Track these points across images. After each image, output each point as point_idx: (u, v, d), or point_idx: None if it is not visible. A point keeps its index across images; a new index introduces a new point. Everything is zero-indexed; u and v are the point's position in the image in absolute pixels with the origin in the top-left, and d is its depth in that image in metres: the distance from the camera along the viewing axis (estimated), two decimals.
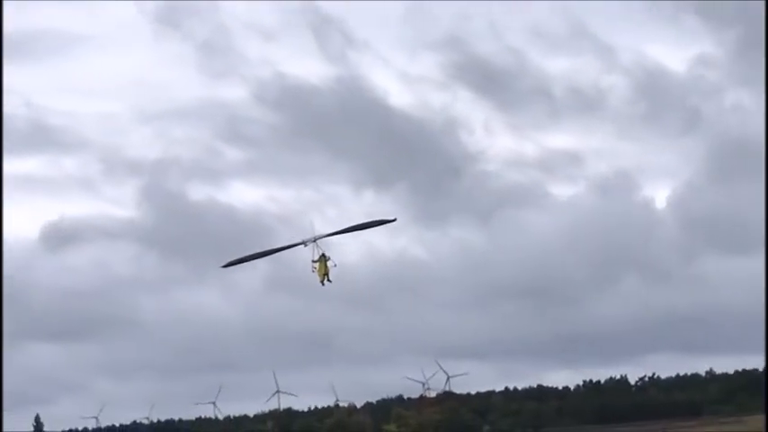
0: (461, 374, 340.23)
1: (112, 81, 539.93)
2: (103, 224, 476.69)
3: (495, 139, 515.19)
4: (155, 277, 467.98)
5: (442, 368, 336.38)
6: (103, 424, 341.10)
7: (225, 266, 39.46)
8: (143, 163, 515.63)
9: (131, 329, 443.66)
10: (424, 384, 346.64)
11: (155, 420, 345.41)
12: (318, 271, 36.50)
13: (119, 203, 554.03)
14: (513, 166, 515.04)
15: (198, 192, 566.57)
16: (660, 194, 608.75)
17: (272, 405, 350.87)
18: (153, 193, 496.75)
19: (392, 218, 36.61)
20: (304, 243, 37.88)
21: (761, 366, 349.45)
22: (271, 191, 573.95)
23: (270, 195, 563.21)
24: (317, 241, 36.60)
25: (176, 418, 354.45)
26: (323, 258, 36.34)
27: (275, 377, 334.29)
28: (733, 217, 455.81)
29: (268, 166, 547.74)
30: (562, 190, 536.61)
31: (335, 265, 37.29)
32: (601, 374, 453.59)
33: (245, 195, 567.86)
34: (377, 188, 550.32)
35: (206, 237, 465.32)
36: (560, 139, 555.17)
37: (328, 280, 38.09)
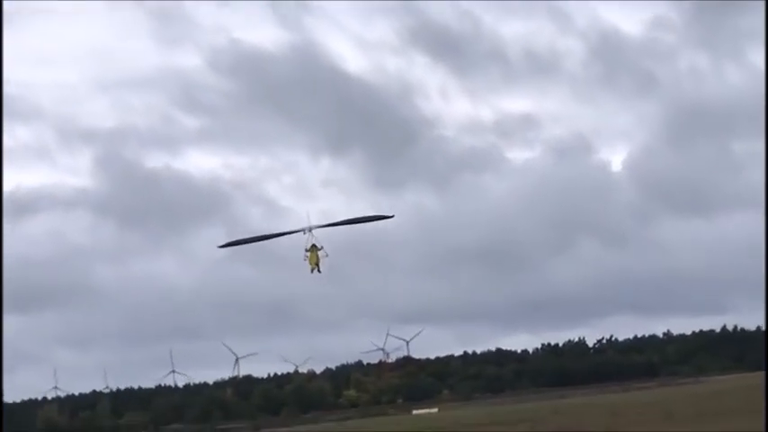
0: (415, 335, 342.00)
1: (67, 50, 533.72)
2: (59, 193, 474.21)
3: (451, 104, 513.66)
4: (112, 246, 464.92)
5: (390, 337, 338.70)
6: (63, 393, 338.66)
7: (221, 247, 38.67)
8: (98, 132, 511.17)
9: (89, 298, 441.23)
10: (383, 350, 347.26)
11: (114, 389, 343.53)
12: (310, 260, 36.37)
13: (75, 173, 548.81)
14: (470, 130, 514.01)
15: (154, 160, 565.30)
16: (616, 158, 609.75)
17: (231, 372, 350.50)
18: (109, 162, 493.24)
19: (390, 214, 36.12)
20: (303, 231, 37.33)
21: (717, 327, 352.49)
22: (227, 158, 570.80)
23: (226, 163, 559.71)
24: (312, 231, 36.17)
25: (136, 386, 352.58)
26: (314, 248, 36.03)
27: (228, 347, 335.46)
28: (689, 180, 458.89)
29: (224, 134, 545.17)
30: (518, 154, 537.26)
31: (327, 255, 36.90)
32: (559, 337, 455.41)
33: (202, 163, 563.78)
34: (333, 154, 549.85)
35: (162, 205, 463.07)
36: (516, 104, 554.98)
37: (318, 270, 37.75)
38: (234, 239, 39.34)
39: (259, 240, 38.73)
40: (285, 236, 39.10)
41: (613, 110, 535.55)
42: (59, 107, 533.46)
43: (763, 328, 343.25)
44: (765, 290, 46.31)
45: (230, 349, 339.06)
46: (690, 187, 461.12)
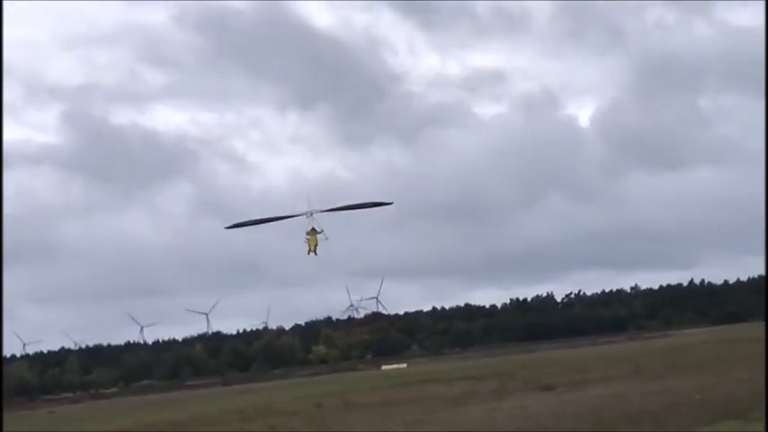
0: (379, 287, 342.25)
1: (32, 6, 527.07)
2: (27, 150, 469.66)
3: (418, 59, 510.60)
4: (79, 202, 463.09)
5: (355, 300, 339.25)
6: (31, 351, 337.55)
7: (228, 228, 38.73)
8: (65, 88, 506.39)
9: (57, 255, 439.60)
10: (352, 306, 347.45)
11: (83, 346, 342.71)
12: (309, 243, 36.62)
13: (42, 129, 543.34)
14: (438, 86, 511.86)
15: (120, 116, 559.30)
16: (584, 113, 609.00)
17: (200, 329, 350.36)
18: (76, 119, 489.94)
19: (389, 201, 36.16)
20: (305, 215, 37.42)
21: (685, 281, 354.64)
22: (193, 114, 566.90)
23: (192, 119, 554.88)
24: (314, 215, 36.24)
25: (104, 343, 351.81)
26: (314, 231, 36.19)
27: (193, 310, 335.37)
28: (656, 134, 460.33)
29: (190, 90, 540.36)
30: (486, 109, 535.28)
31: (327, 239, 36.98)
32: (528, 292, 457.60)
33: (168, 119, 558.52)
34: (301, 110, 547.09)
35: (130, 161, 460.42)
36: (484, 58, 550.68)
37: (315, 253, 37.94)
38: (239, 221, 39.50)
39: (265, 222, 38.91)
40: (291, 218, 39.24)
41: (581, 65, 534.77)
42: (26, 64, 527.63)
43: (731, 282, 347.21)
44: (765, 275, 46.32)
45: (195, 311, 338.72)
46: (657, 142, 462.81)
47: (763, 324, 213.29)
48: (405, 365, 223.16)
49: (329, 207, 38.98)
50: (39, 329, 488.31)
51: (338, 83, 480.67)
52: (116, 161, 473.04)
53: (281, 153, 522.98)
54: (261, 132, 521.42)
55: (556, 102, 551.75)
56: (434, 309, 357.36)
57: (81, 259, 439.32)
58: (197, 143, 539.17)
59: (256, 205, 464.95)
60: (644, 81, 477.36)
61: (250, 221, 39.56)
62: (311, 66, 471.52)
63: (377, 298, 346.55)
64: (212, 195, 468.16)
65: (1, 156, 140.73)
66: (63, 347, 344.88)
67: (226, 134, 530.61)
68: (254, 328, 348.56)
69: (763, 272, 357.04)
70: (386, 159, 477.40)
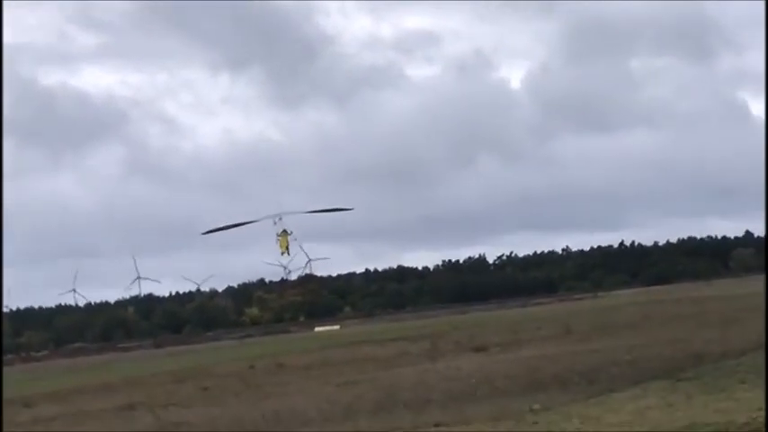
0: (323, 258, 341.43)
1: None
2: None
3: (351, 21, 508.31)
4: (9, 164, 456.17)
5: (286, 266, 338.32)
6: None
7: (204, 234, 40.13)
8: None
9: None
10: (284, 268, 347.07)
11: (14, 308, 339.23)
12: (281, 244, 38.31)
13: None
14: (370, 47, 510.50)
15: (50, 77, 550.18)
16: (516, 75, 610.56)
17: (132, 291, 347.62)
18: (4, 80, 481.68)
19: (350, 207, 38.66)
20: (274, 220, 39.02)
21: (615, 243, 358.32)
22: (124, 75, 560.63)
23: (123, 80, 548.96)
24: (282, 219, 38.00)
25: (36, 306, 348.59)
26: (285, 233, 37.97)
27: (135, 263, 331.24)
28: (587, 97, 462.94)
29: (121, 51, 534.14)
30: (419, 71, 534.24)
31: (296, 239, 38.89)
32: (460, 254, 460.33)
33: (99, 80, 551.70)
34: (232, 72, 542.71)
35: (60, 122, 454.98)
36: (417, 20, 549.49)
37: (288, 252, 39.68)
38: (213, 228, 41.28)
39: (238, 226, 40.52)
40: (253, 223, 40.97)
41: (514, 27, 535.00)
42: None
43: (661, 243, 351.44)
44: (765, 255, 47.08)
45: (136, 267, 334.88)
46: (589, 104, 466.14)
47: (691, 284, 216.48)
48: (338, 327, 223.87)
49: (296, 211, 40.70)
50: None
51: (271, 44, 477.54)
52: (46, 123, 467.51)
53: (214, 115, 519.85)
54: (193, 94, 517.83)
55: (488, 64, 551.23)
56: (367, 271, 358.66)
57: (12, 221, 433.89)
58: (128, 104, 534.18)
59: (188, 167, 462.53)
60: (576, 44, 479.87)
61: (224, 227, 41.01)
62: (243, 27, 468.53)
63: (309, 260, 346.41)
64: (144, 157, 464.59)
65: (1, 155, 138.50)
66: None
67: (157, 95, 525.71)
68: (187, 291, 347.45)
69: (692, 233, 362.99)
70: (318, 121, 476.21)
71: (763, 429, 27.70)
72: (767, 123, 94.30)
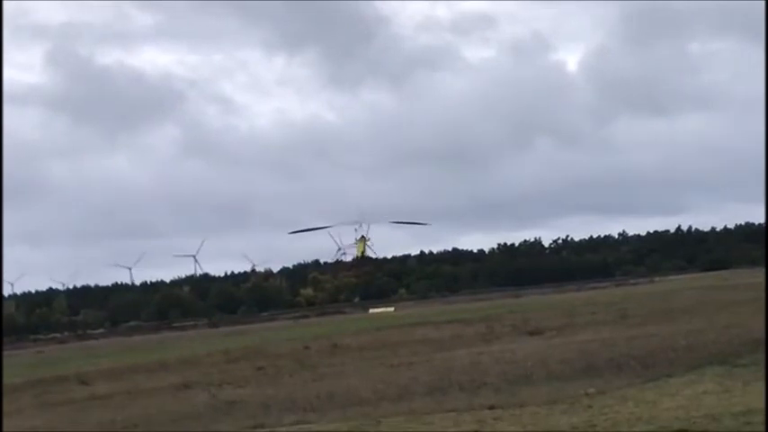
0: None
1: None
2: (11, 90, 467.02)
3: (407, 2, 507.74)
4: (65, 143, 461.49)
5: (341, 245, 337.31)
6: (19, 290, 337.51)
7: (291, 233, 42.30)
8: (50, 26, 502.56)
9: (43, 196, 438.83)
10: (340, 249, 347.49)
11: (70, 286, 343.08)
12: (358, 248, 40.43)
13: (26, 68, 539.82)
14: (426, 28, 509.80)
15: (107, 56, 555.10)
16: (573, 58, 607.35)
17: (188, 270, 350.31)
18: (61, 58, 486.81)
19: (427, 222, 40.41)
20: (356, 225, 40.97)
21: (672, 228, 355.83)
22: (181, 55, 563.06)
23: (180, 60, 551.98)
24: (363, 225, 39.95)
25: (92, 284, 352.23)
26: (363, 239, 39.87)
27: (201, 245, 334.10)
28: (645, 80, 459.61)
29: (178, 31, 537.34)
30: (475, 53, 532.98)
31: (372, 245, 41.13)
32: (515, 237, 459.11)
33: (156, 59, 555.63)
34: (288, 52, 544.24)
35: (116, 101, 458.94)
36: (474, 2, 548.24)
37: (363, 255, 41.57)
38: (300, 229, 43.47)
39: (319, 230, 42.33)
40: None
41: (571, 9, 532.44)
42: (8, 2, 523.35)
43: (718, 229, 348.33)
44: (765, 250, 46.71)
45: (182, 255, 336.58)
46: (646, 88, 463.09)
47: (748, 270, 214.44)
48: (392, 309, 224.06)
49: (376, 219, 42.14)
50: (26, 269, 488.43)
51: (326, 25, 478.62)
52: (102, 102, 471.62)
53: (269, 95, 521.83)
54: (248, 74, 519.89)
55: (545, 46, 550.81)
56: (422, 253, 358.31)
57: (68, 200, 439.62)
58: (184, 84, 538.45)
59: (243, 147, 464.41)
60: (634, 26, 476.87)
61: (309, 228, 42.17)
62: (299, 8, 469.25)
63: (366, 241, 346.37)
64: (199, 137, 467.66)
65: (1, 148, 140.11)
66: (51, 288, 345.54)
67: (213, 76, 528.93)
68: (242, 271, 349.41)
69: (750, 219, 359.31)
70: (373, 102, 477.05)
71: None
72: (767, 121, 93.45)
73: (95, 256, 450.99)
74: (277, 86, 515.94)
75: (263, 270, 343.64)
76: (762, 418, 28.18)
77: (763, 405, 29.78)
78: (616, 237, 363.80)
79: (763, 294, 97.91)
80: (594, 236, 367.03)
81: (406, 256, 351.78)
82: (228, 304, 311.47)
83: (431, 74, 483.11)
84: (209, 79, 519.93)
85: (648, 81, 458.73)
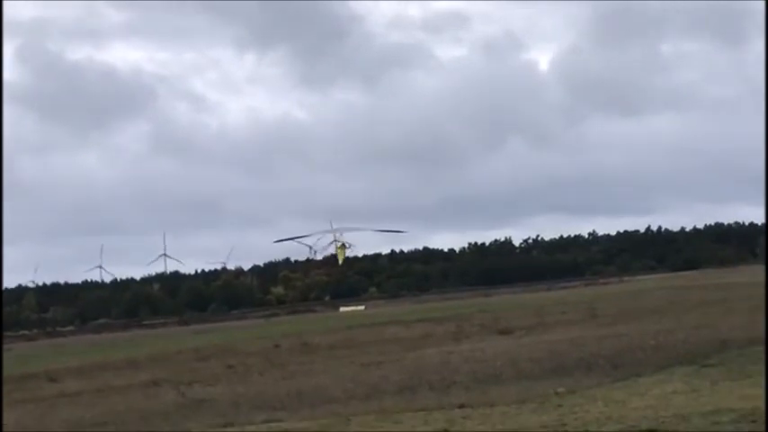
0: (352, 232, 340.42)
1: None
2: None
3: (379, 0, 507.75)
4: (35, 140, 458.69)
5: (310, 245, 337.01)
6: None
7: (276, 242, 43.85)
8: (20, 22, 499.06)
9: (12, 192, 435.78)
10: (310, 248, 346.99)
11: (40, 284, 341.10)
12: (339, 255, 41.85)
13: None
14: (399, 27, 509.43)
15: (77, 52, 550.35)
16: (545, 57, 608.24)
17: (158, 268, 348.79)
18: (30, 54, 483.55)
19: (404, 230, 42.90)
20: (336, 233, 42.72)
21: (642, 228, 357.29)
22: (151, 52, 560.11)
23: (150, 57, 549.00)
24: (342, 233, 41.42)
25: (62, 281, 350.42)
26: (343, 246, 41.46)
27: (164, 240, 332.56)
28: (616, 80, 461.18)
29: (149, 27, 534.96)
30: (447, 52, 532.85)
31: (350, 248, 43.00)
32: (486, 237, 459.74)
33: (126, 56, 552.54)
34: (259, 51, 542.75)
35: (86, 98, 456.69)
36: (446, 1, 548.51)
37: (343, 262, 43.57)
38: (283, 238, 45.10)
39: (302, 238, 44.03)
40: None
41: (543, 9, 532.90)
42: None
43: (687, 229, 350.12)
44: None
45: (164, 244, 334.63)
46: (618, 88, 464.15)
47: (718, 271, 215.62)
48: (363, 307, 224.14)
49: (357, 227, 43.41)
50: None
51: (298, 23, 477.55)
52: (72, 98, 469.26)
53: (240, 93, 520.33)
54: (219, 72, 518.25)
55: (517, 46, 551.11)
56: (393, 252, 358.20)
57: (38, 197, 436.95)
58: (155, 81, 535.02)
59: (214, 144, 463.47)
60: (605, 27, 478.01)
61: (292, 237, 43.04)
62: (271, 6, 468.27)
63: (335, 239, 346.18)
64: (169, 134, 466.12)
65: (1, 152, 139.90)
66: (20, 285, 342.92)
67: (184, 73, 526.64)
68: (213, 269, 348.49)
69: (719, 219, 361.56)
70: (345, 101, 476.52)
71: None
72: (767, 120, 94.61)
73: (65, 253, 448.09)
74: (248, 84, 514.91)
75: (233, 268, 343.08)
76: (730, 417, 28.38)
77: (729, 404, 29.98)
78: (586, 236, 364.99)
79: (730, 295, 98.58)
80: (565, 235, 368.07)
81: (377, 255, 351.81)
82: (199, 302, 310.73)
83: (403, 72, 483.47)
84: (180, 76, 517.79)
85: (620, 81, 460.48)
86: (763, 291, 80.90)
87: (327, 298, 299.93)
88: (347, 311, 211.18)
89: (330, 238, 45.27)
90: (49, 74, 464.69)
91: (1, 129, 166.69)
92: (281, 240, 42.62)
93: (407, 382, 48.27)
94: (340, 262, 44.10)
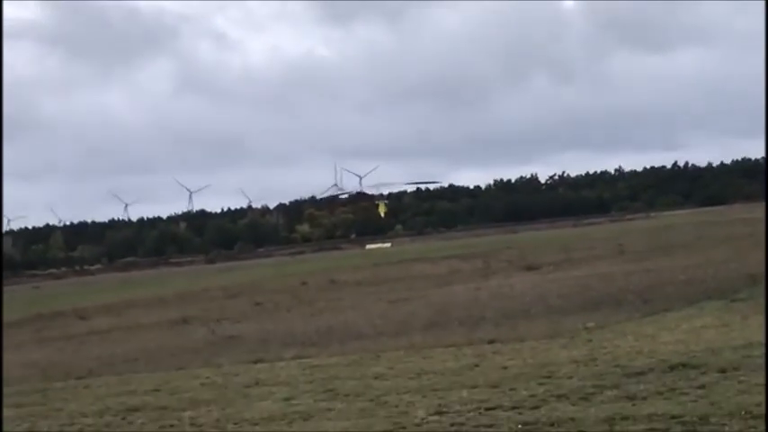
0: (370, 171, 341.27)
1: None
2: (5, 25, 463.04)
3: None
4: (59, 78, 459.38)
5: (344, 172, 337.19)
6: (15, 226, 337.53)
7: (317, 199, 45.36)
8: None
9: (37, 131, 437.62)
10: (336, 185, 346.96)
11: (67, 223, 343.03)
12: (380, 209, 44.31)
13: (20, 4, 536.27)
14: None
15: None
16: None
17: (184, 207, 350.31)
18: None
19: (438, 180, 42.45)
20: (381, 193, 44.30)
21: (668, 164, 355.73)
22: None
23: None
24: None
25: (89, 220, 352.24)
26: (384, 204, 43.90)
27: (181, 183, 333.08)
28: (641, 15, 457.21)
29: None
30: None
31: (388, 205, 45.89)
32: (511, 173, 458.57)
33: None
34: None
35: (110, 37, 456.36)
36: None
37: (383, 215, 45.37)
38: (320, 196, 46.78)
39: (337, 196, 45.82)
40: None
41: None
42: None
43: (714, 164, 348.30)
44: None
45: (183, 185, 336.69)
46: (643, 23, 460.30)
47: (745, 206, 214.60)
48: (389, 245, 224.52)
49: (394, 182, 44.95)
50: (22, 206, 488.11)
51: None
52: (96, 37, 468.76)
53: (263, 31, 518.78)
54: (242, 10, 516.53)
55: None
56: (418, 189, 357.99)
57: (63, 136, 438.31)
58: (178, 20, 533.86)
59: (237, 83, 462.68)
60: None
61: (327, 197, 44.58)
62: None
63: (360, 178, 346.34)
64: (193, 72, 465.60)
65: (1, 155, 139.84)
66: (47, 224, 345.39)
67: (207, 11, 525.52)
68: (239, 207, 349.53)
69: (746, 154, 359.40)
70: (369, 38, 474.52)
71: None
72: (767, 110, 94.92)
73: (91, 192, 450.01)
74: (271, 22, 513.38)
75: (259, 206, 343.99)
76: (761, 350, 28.26)
77: (760, 338, 29.85)
78: (612, 173, 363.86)
79: (757, 230, 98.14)
80: (591, 172, 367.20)
81: (403, 193, 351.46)
82: (225, 241, 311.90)
83: (426, 9, 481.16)
84: (202, 15, 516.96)
85: (645, 16, 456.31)
86: None
87: (353, 236, 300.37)
88: (373, 249, 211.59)
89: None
90: (74, 13, 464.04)
91: (1, 112, 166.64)
92: (318, 199, 43.89)
93: (436, 318, 48.30)
94: (382, 215, 44.85)
